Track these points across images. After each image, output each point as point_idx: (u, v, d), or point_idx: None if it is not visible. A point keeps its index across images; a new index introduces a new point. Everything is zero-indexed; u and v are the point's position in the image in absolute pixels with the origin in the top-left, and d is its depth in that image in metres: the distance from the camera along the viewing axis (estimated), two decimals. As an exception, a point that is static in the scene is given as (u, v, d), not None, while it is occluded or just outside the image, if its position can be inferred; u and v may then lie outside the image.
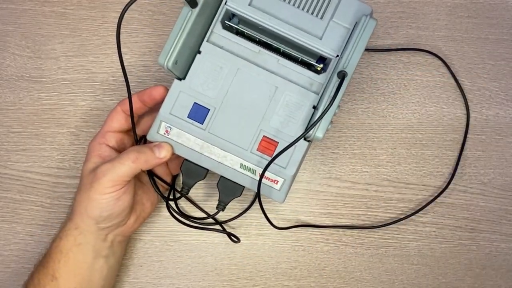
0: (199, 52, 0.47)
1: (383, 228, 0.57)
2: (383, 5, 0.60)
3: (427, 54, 0.59)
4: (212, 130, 0.47)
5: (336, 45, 0.46)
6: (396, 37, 0.60)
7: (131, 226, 0.50)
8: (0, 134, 0.58)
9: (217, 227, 0.55)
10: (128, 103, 0.47)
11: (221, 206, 0.49)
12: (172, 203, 0.54)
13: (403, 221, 0.57)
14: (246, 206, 0.56)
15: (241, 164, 0.47)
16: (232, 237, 0.54)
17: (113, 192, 0.45)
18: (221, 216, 0.56)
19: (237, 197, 0.48)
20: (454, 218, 0.57)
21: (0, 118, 0.58)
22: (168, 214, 0.50)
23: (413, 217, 0.57)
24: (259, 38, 0.48)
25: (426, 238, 0.57)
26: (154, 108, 0.50)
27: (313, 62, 0.47)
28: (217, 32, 0.48)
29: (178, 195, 0.56)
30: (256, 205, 0.55)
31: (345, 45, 0.46)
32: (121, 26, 0.43)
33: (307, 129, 0.43)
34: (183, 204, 0.57)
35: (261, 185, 0.46)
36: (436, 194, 0.57)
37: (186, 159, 0.47)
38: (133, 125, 0.48)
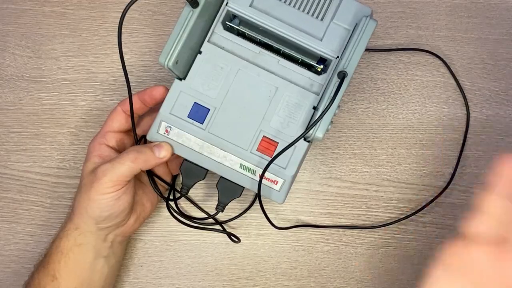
0: (200, 52, 0.47)
1: (383, 228, 0.57)
2: (383, 5, 0.60)
3: (427, 54, 0.59)
4: (212, 130, 0.47)
5: (337, 46, 0.47)
6: (396, 37, 0.60)
7: (131, 226, 0.50)
8: (0, 134, 0.58)
9: (217, 227, 0.55)
10: (129, 103, 0.47)
11: (221, 207, 0.49)
12: (172, 203, 0.54)
13: (403, 221, 0.57)
14: (246, 206, 0.56)
15: (241, 165, 0.47)
16: (232, 237, 0.54)
17: (113, 192, 0.45)
18: (221, 216, 0.56)
19: (236, 197, 0.48)
20: (454, 218, 0.57)
21: (0, 118, 0.58)
22: (168, 214, 0.50)
23: (413, 217, 0.57)
24: (259, 39, 0.48)
25: (426, 238, 0.57)
26: (154, 109, 0.50)
27: (313, 63, 0.47)
28: (218, 32, 0.48)
29: (177, 195, 0.56)
30: (256, 205, 0.55)
31: (345, 46, 0.46)
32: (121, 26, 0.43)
33: (307, 129, 0.43)
34: (183, 204, 0.57)
35: (261, 185, 0.46)
36: (436, 194, 0.57)
37: (185, 159, 0.47)
38: (133, 125, 0.48)
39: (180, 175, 0.48)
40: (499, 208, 0.33)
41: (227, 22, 0.48)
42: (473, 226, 0.34)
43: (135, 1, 0.41)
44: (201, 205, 0.57)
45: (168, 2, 0.60)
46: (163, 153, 0.46)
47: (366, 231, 0.57)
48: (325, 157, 0.58)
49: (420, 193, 0.58)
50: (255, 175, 0.47)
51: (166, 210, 0.51)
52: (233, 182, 0.47)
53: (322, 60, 0.48)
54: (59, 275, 0.47)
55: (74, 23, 0.60)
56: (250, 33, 0.48)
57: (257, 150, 0.47)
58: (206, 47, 0.47)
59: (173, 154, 0.47)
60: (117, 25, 0.58)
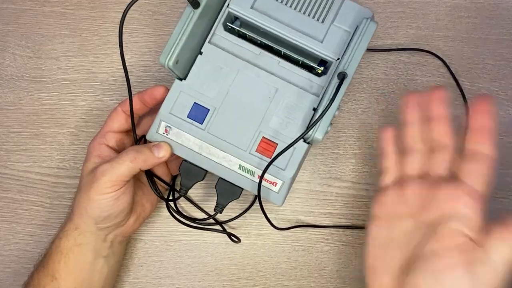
0: (201, 53, 0.47)
1: (383, 228, 0.57)
2: (383, 5, 0.60)
3: (427, 54, 0.59)
4: (212, 130, 0.47)
5: (337, 49, 0.47)
6: (396, 37, 0.60)
7: (131, 226, 0.50)
8: (0, 134, 0.58)
9: (217, 227, 0.55)
10: (129, 104, 0.47)
11: (219, 209, 0.49)
12: (172, 204, 0.54)
13: (403, 221, 0.57)
14: (246, 206, 0.56)
15: (240, 165, 0.47)
16: (232, 237, 0.54)
17: (112, 192, 0.45)
18: (221, 216, 0.56)
19: (235, 199, 0.48)
20: (454, 218, 0.57)
21: (0, 118, 0.58)
22: (168, 214, 0.50)
23: (413, 217, 0.57)
24: (260, 41, 0.48)
25: (426, 238, 0.57)
26: (154, 109, 0.50)
27: (314, 65, 0.47)
28: (219, 33, 0.48)
29: (177, 195, 0.56)
30: (256, 205, 0.55)
31: (346, 48, 0.46)
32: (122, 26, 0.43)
33: (306, 130, 0.43)
34: (183, 204, 0.57)
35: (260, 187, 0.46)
36: (436, 194, 0.57)
37: (184, 160, 0.47)
38: (133, 125, 0.48)
39: (179, 175, 0.48)
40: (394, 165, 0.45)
41: (228, 24, 0.48)
42: (383, 180, 0.46)
43: (136, 1, 0.41)
44: (201, 205, 0.57)
45: (168, 2, 0.60)
46: (162, 153, 0.46)
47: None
48: (325, 157, 0.58)
49: (420, 193, 0.58)
50: (254, 176, 0.47)
51: (166, 210, 0.51)
52: (232, 184, 0.47)
53: (323, 62, 0.48)
54: (58, 275, 0.47)
55: (74, 23, 0.60)
56: (251, 35, 0.48)
57: (256, 151, 0.47)
58: (206, 47, 0.47)
59: (172, 154, 0.47)
60: (117, 25, 0.58)
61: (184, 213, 0.56)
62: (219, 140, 0.47)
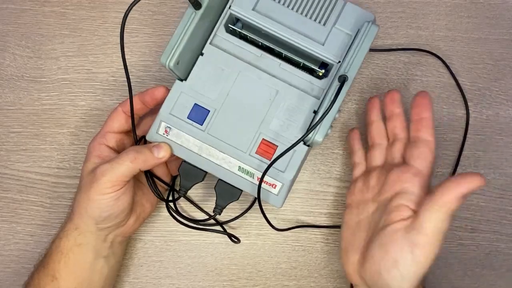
0: (202, 54, 0.47)
1: (383, 228, 0.57)
2: (383, 5, 0.60)
3: (427, 54, 0.59)
4: (212, 131, 0.47)
5: (338, 51, 0.47)
6: (396, 37, 0.60)
7: (131, 227, 0.50)
8: (0, 134, 0.58)
9: (218, 227, 0.55)
10: (129, 104, 0.47)
11: (218, 210, 0.49)
12: (171, 204, 0.54)
13: (403, 221, 0.57)
14: (246, 207, 0.56)
15: (240, 167, 0.47)
16: (232, 238, 0.54)
17: (112, 193, 0.45)
18: (221, 216, 0.56)
19: (234, 201, 0.48)
20: (454, 218, 0.57)
21: (0, 118, 0.58)
22: (168, 214, 0.50)
23: (413, 217, 0.57)
24: (261, 43, 0.48)
25: (426, 238, 0.57)
26: (155, 109, 0.50)
27: (315, 67, 0.47)
28: (220, 35, 0.48)
29: (176, 196, 0.56)
30: (256, 205, 0.55)
31: (347, 51, 0.46)
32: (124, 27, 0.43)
33: (307, 132, 0.43)
34: (183, 204, 0.57)
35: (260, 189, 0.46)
36: (436, 194, 0.57)
37: (184, 161, 0.47)
38: (133, 125, 0.48)
39: (179, 176, 0.48)
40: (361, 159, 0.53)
41: (229, 25, 0.48)
42: (354, 174, 0.53)
43: (138, 1, 0.41)
44: (201, 205, 0.57)
45: (168, 2, 0.60)
46: (162, 154, 0.46)
47: (366, 231, 0.57)
48: (325, 157, 0.58)
49: (420, 193, 0.58)
50: (253, 178, 0.47)
51: (165, 210, 0.51)
52: (231, 185, 0.47)
53: (324, 65, 0.48)
54: (59, 275, 0.47)
55: (74, 23, 0.60)
56: (252, 37, 0.48)
57: (256, 153, 0.47)
58: (208, 49, 0.47)
59: (172, 155, 0.47)
60: (117, 25, 0.58)
61: (184, 214, 0.56)
62: (219, 141, 0.47)
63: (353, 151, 0.54)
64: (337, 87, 0.44)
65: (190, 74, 0.47)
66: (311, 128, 0.43)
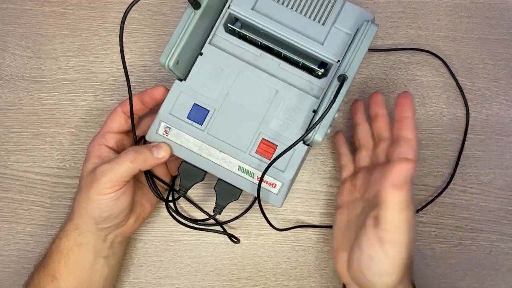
0: (201, 54, 0.47)
1: (383, 228, 0.57)
2: (383, 5, 0.60)
3: (427, 54, 0.59)
4: (211, 131, 0.47)
5: (338, 51, 0.47)
6: (396, 37, 0.60)
7: (131, 227, 0.50)
8: (0, 134, 0.58)
9: (217, 228, 0.55)
10: (129, 104, 0.47)
11: (218, 210, 0.49)
12: (171, 204, 0.54)
13: (403, 221, 0.57)
14: (246, 207, 0.56)
15: (239, 167, 0.47)
16: (232, 238, 0.54)
17: (112, 193, 0.45)
18: (221, 216, 0.56)
19: (234, 200, 0.48)
20: (454, 218, 0.57)
21: (0, 118, 0.58)
22: (168, 214, 0.50)
23: (413, 217, 0.57)
24: (261, 42, 0.48)
25: (426, 238, 0.57)
26: (154, 110, 0.50)
27: (314, 67, 0.47)
28: (220, 35, 0.48)
29: (176, 196, 0.56)
30: (256, 205, 0.55)
31: (346, 51, 0.46)
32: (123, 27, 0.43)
33: (306, 132, 0.43)
34: (183, 204, 0.57)
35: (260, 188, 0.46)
36: (436, 194, 0.57)
37: (184, 161, 0.47)
38: (133, 125, 0.48)
39: (179, 176, 0.48)
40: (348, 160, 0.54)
41: (229, 25, 0.48)
42: (342, 175, 0.54)
43: (137, 1, 0.41)
44: (201, 205, 0.57)
45: (168, 2, 0.60)
46: (162, 154, 0.46)
47: (366, 231, 0.57)
48: (325, 157, 0.58)
49: (420, 193, 0.58)
50: (253, 177, 0.47)
51: (165, 210, 0.51)
52: (231, 185, 0.47)
53: (323, 64, 0.48)
54: (59, 275, 0.47)
55: (74, 23, 0.60)
56: (251, 36, 0.48)
57: (256, 152, 0.47)
58: (207, 48, 0.47)
59: (172, 155, 0.47)
60: (117, 25, 0.58)
61: (184, 214, 0.56)
62: (219, 141, 0.47)
63: (339, 154, 0.55)
64: (337, 86, 0.44)
65: (190, 74, 0.47)
66: (311, 127, 0.43)
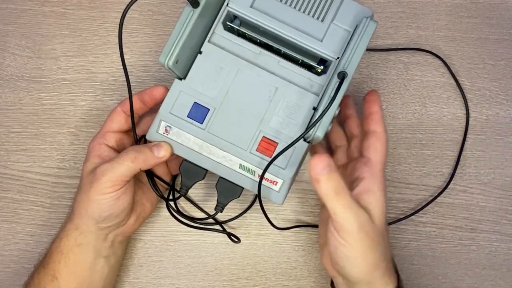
0: (200, 52, 0.47)
1: (383, 228, 0.57)
2: (383, 5, 0.60)
3: (427, 54, 0.59)
4: (212, 130, 0.47)
5: (337, 48, 0.47)
6: (396, 37, 0.60)
7: (131, 226, 0.50)
8: (0, 134, 0.58)
9: (217, 227, 0.55)
10: (129, 104, 0.47)
11: (219, 208, 0.49)
12: (172, 203, 0.54)
13: (403, 221, 0.57)
14: (246, 206, 0.56)
15: (240, 165, 0.47)
16: (232, 237, 0.54)
17: (112, 192, 0.45)
18: (221, 216, 0.56)
19: (235, 198, 0.48)
20: (454, 218, 0.57)
21: (0, 118, 0.58)
22: (168, 214, 0.50)
23: (413, 217, 0.57)
24: (260, 40, 0.48)
25: (426, 238, 0.57)
26: (154, 109, 0.50)
27: (313, 64, 0.47)
28: (219, 33, 0.48)
29: (177, 195, 0.56)
30: (256, 205, 0.55)
31: (346, 47, 0.46)
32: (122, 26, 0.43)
33: (307, 129, 0.43)
34: (183, 203, 0.57)
35: (261, 186, 0.46)
36: (436, 194, 0.57)
37: (185, 159, 0.47)
38: (133, 125, 0.48)
39: (180, 175, 0.48)
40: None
41: (227, 23, 0.48)
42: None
43: (135, 1, 0.41)
44: (201, 205, 0.57)
45: (168, 2, 0.60)
46: (162, 153, 0.46)
47: (366, 231, 0.57)
48: (325, 157, 0.58)
49: (420, 193, 0.58)
50: (254, 175, 0.47)
51: (166, 210, 0.51)
52: (233, 183, 0.47)
53: (323, 61, 0.48)
54: (59, 275, 0.47)
55: (74, 23, 0.60)
56: (250, 34, 0.48)
57: (256, 150, 0.47)
58: (206, 47, 0.47)
59: (172, 154, 0.47)
60: (117, 25, 0.58)
61: (184, 213, 0.56)
62: (220, 139, 0.47)
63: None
64: (337, 83, 0.44)
65: (189, 73, 0.47)
66: (311, 125, 0.43)
